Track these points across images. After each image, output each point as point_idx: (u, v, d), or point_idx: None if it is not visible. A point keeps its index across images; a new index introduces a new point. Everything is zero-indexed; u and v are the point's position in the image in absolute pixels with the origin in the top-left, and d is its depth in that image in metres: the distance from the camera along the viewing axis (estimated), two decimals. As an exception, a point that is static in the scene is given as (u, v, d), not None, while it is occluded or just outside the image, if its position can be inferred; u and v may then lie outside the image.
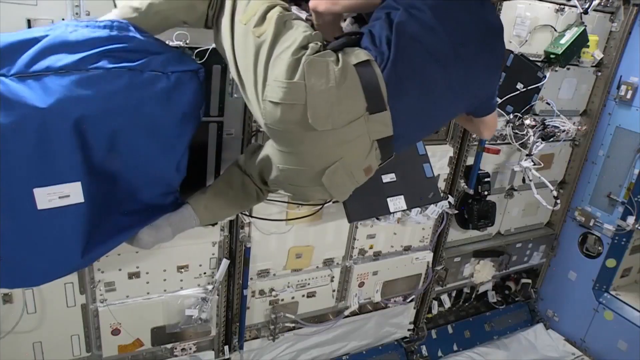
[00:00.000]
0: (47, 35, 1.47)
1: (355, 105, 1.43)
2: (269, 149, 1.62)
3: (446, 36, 1.52)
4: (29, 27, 1.67)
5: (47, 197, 1.48)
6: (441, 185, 2.91)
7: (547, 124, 3.03)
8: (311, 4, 1.69)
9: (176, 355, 2.48)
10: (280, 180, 1.64)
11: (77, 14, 1.74)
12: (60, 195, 1.50)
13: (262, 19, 1.47)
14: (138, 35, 1.59)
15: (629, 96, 3.13)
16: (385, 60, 1.48)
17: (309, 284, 2.71)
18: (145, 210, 1.80)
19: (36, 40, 1.46)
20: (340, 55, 1.44)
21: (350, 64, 1.42)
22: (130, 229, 1.81)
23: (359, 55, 1.46)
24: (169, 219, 1.77)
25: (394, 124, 1.50)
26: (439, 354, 3.38)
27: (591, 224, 3.44)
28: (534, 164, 3.01)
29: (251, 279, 2.52)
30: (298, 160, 1.52)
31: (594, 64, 3.11)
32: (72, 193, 1.51)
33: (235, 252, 2.40)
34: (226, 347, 2.60)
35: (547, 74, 2.90)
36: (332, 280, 2.76)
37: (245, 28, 1.48)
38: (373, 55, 1.47)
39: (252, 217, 2.34)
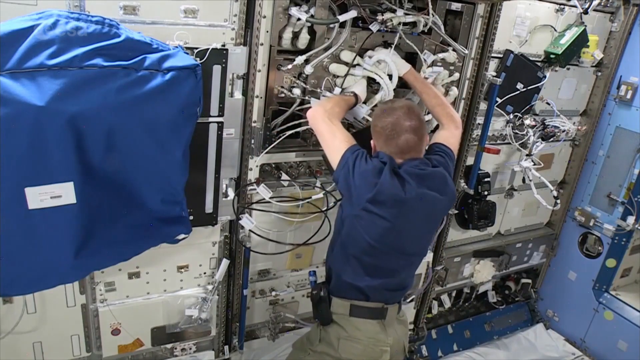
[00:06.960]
0: (38, 24, 1.43)
1: None
2: None
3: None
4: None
5: (39, 197, 1.47)
6: (441, 185, 2.89)
7: (547, 124, 3.03)
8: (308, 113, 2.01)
9: (176, 355, 2.48)
10: None
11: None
12: (52, 195, 1.48)
13: None
14: (131, 33, 1.57)
15: (629, 96, 3.13)
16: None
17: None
18: (147, 222, 1.78)
19: (29, 30, 1.42)
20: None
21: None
22: (130, 243, 1.80)
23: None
24: None
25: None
26: (439, 354, 3.38)
27: (591, 224, 3.44)
28: (534, 164, 3.01)
29: (251, 279, 2.52)
30: None
31: (594, 64, 3.10)
32: (64, 193, 1.50)
33: (235, 252, 2.40)
34: (226, 347, 2.60)
35: (547, 74, 2.90)
36: (332, 280, 2.76)
37: None
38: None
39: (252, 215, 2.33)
